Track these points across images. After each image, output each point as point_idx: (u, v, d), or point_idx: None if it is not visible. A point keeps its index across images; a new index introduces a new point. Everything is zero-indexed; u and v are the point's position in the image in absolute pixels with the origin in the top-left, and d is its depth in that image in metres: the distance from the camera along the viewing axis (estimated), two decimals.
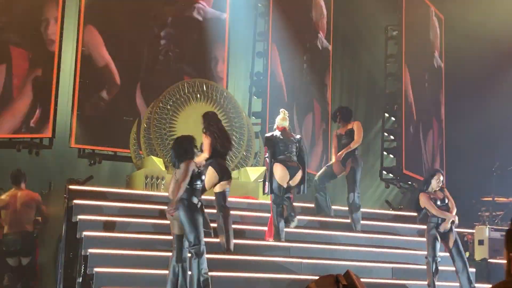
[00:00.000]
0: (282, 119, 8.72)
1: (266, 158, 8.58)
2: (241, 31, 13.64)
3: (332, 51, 14.55)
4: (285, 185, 8.40)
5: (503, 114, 15.39)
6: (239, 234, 8.60)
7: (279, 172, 8.39)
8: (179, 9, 12.83)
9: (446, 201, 8.54)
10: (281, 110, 8.89)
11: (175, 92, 10.70)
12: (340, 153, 9.36)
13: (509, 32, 15.05)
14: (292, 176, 8.46)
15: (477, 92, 15.40)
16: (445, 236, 8.45)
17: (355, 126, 9.43)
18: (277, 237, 8.43)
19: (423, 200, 8.51)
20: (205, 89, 10.89)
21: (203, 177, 7.13)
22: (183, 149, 7.03)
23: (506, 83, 15.55)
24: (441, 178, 8.62)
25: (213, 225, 7.44)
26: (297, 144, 8.63)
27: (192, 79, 11.46)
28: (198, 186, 7.01)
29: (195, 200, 6.95)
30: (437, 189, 8.59)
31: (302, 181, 8.58)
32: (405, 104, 14.81)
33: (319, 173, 9.76)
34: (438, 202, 8.50)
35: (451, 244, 8.46)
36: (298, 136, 8.78)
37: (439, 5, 16.27)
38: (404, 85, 14.72)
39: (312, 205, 9.73)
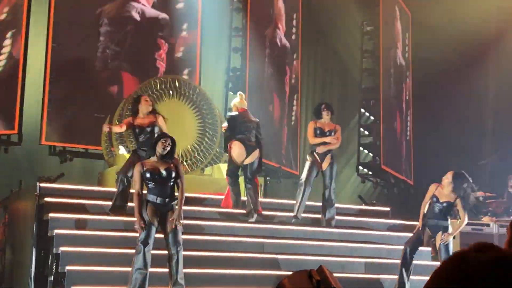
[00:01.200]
0: (240, 101, 9.15)
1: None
2: (214, 27, 13.61)
3: (301, 45, 14.54)
4: (239, 162, 8.86)
5: (471, 111, 15.57)
6: (212, 229, 8.59)
7: (237, 149, 8.85)
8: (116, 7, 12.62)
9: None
10: (239, 93, 9.45)
11: (147, 88, 10.63)
12: (324, 147, 9.28)
13: (474, 28, 15.20)
14: (248, 154, 8.87)
15: (444, 89, 15.55)
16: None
17: (338, 128, 9.40)
18: (236, 205, 8.98)
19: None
20: (177, 85, 10.84)
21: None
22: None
23: (473, 78, 15.73)
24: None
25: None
26: (256, 127, 9.05)
27: (164, 75, 11.40)
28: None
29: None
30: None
31: (258, 160, 8.98)
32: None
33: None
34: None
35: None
36: (257, 120, 9.17)
37: (406, 2, 16.41)
38: (381, 80, 14.80)
39: (287, 201, 9.76)
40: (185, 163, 10.46)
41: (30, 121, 11.33)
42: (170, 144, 7.07)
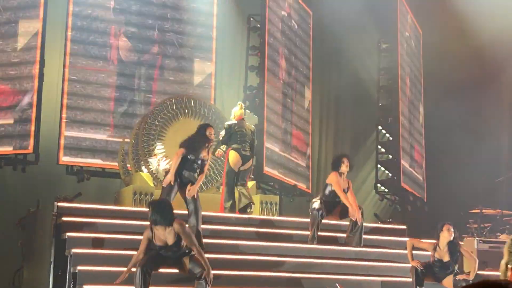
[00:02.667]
0: (239, 110, 9.83)
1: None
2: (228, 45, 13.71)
3: (312, 64, 14.59)
4: (236, 170, 9.55)
5: (486, 127, 15.53)
6: (228, 248, 8.60)
7: (233, 158, 9.55)
8: None
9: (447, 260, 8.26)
10: (238, 102, 10.13)
11: (163, 108, 10.71)
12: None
13: (486, 46, 15.19)
14: (244, 163, 9.60)
15: (457, 106, 15.53)
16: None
17: (350, 184, 9.35)
18: (232, 210, 9.54)
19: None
20: (192, 104, 10.91)
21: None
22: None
23: (487, 95, 15.70)
24: (451, 229, 8.28)
25: None
26: (252, 135, 9.74)
27: (179, 95, 11.48)
28: None
29: None
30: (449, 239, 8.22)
31: (252, 167, 9.87)
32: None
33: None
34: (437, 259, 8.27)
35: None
36: (253, 127, 9.94)
37: (418, 19, 16.45)
38: (400, 98, 14.79)
39: (304, 220, 9.79)
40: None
41: (47, 141, 11.42)
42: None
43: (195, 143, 8.25)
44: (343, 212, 9.22)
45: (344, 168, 9.15)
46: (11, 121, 11.20)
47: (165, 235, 6.87)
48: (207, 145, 8.30)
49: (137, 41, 12.63)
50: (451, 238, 8.22)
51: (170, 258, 6.99)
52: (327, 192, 9.16)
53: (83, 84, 11.93)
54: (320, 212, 9.00)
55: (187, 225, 7.28)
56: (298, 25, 14.42)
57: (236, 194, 9.67)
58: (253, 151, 9.79)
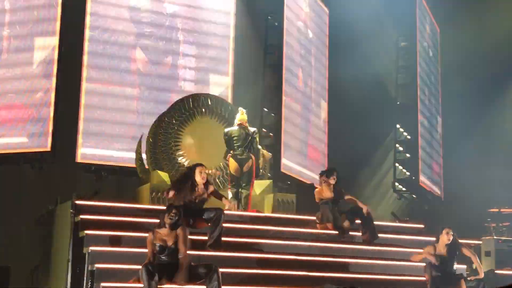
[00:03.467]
0: (241, 116, 10.08)
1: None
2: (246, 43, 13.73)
3: (328, 62, 14.57)
4: (237, 175, 9.89)
5: (504, 123, 15.42)
6: (244, 247, 8.61)
7: (232, 165, 9.93)
8: None
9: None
10: (239, 109, 10.25)
11: (180, 106, 10.74)
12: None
13: (505, 43, 15.09)
14: (242, 166, 9.89)
15: (475, 102, 15.43)
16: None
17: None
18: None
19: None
20: (209, 103, 10.92)
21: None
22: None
23: (508, 90, 15.58)
24: (450, 232, 8.73)
25: None
26: (251, 137, 9.96)
27: (197, 93, 11.52)
28: None
29: None
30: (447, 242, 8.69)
31: (254, 167, 9.91)
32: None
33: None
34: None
35: None
36: (252, 130, 10.09)
37: (436, 17, 16.37)
38: (418, 96, 14.73)
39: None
40: (217, 179, 10.53)
41: (66, 139, 11.51)
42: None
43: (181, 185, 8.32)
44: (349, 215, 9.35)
45: (332, 181, 9.49)
46: (29, 120, 11.33)
47: (166, 236, 7.21)
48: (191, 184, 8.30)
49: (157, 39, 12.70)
50: (449, 242, 8.70)
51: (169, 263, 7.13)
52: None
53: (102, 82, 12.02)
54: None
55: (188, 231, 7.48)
56: (315, 23, 14.41)
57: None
58: (252, 152, 10.01)
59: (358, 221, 9.48)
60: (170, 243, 7.20)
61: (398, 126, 15.00)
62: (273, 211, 10.30)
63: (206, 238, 8.17)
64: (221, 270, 7.28)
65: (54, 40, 11.57)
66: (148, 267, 7.02)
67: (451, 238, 8.72)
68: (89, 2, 12.06)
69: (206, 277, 7.14)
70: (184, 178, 8.40)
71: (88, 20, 12.03)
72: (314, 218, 9.80)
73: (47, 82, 11.40)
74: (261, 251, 8.72)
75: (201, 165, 8.46)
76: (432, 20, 16.39)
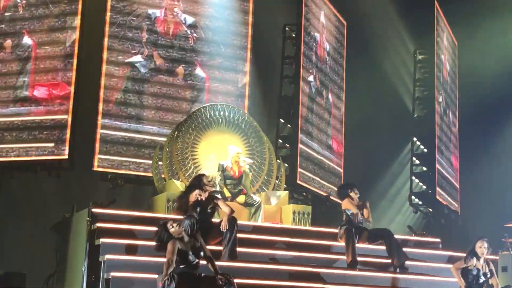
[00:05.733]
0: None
1: None
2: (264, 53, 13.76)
3: (345, 74, 14.55)
4: None
5: None
6: (261, 258, 8.59)
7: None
8: None
9: (488, 275, 8.33)
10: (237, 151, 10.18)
11: (197, 116, 10.76)
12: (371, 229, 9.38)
13: None
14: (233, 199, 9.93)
15: (492, 116, 15.33)
16: None
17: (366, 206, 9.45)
18: None
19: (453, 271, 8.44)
20: (226, 113, 10.93)
21: None
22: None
23: None
24: (485, 245, 8.43)
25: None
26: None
27: (213, 103, 11.54)
28: None
29: None
30: (482, 257, 8.39)
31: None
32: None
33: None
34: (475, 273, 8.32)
35: None
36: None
37: (454, 30, 16.33)
38: (436, 109, 14.67)
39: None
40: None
41: (83, 147, 11.57)
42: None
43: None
44: (371, 236, 9.24)
45: (354, 195, 9.32)
46: (47, 127, 11.41)
47: (186, 246, 7.15)
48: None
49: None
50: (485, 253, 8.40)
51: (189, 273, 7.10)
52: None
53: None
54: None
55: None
56: (332, 35, 14.42)
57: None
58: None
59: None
60: (190, 252, 7.15)
61: (414, 139, 14.94)
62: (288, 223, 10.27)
63: (221, 248, 8.17)
64: (236, 281, 7.26)
65: (74, 49, 11.68)
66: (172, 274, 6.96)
67: (484, 252, 8.37)
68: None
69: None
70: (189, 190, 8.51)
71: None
72: (328, 229, 9.76)
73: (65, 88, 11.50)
74: (277, 263, 8.69)
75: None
76: (450, 33, 16.35)
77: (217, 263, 7.40)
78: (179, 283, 6.98)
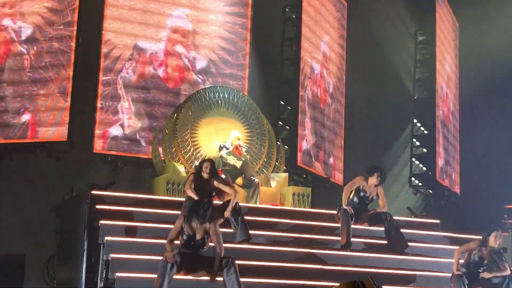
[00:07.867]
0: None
1: None
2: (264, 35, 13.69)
3: (346, 55, 14.50)
4: None
5: None
6: (261, 240, 8.60)
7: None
8: None
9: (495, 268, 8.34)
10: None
11: (197, 98, 10.73)
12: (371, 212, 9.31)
13: None
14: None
15: (494, 99, 15.29)
16: None
17: (381, 192, 9.35)
18: None
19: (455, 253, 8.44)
20: (226, 95, 10.90)
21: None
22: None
23: None
24: (499, 234, 8.40)
25: None
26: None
27: (213, 85, 11.50)
28: None
29: None
30: (495, 246, 8.39)
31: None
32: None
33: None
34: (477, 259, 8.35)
35: None
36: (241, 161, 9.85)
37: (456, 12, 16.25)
38: (436, 91, 14.63)
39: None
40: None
41: (82, 130, 11.55)
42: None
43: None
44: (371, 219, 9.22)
45: (375, 180, 9.18)
46: (46, 109, 11.40)
47: (197, 228, 7.16)
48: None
49: None
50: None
51: (194, 255, 7.11)
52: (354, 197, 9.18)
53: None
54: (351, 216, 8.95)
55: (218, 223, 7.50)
56: (333, 16, 14.35)
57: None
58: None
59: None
60: (198, 236, 7.16)
61: (415, 120, 14.91)
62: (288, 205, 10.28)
63: (231, 230, 8.19)
64: (237, 262, 7.28)
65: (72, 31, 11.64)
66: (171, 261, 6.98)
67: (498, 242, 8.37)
68: None
69: (223, 270, 7.10)
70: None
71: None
72: (328, 211, 9.78)
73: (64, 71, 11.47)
74: (277, 244, 8.71)
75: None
76: (451, 14, 16.27)
77: (226, 244, 7.41)
78: (181, 263, 7.00)
